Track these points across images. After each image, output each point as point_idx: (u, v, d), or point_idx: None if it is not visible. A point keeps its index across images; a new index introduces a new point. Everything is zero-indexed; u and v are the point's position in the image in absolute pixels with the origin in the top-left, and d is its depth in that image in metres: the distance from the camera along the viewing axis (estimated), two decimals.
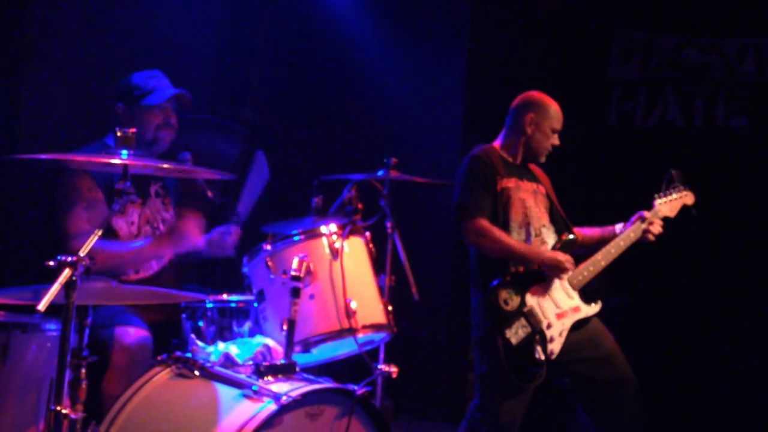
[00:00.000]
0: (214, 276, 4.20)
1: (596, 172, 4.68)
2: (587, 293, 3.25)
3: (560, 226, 3.35)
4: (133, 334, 2.88)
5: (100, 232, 2.12)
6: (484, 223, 3.17)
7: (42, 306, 1.86)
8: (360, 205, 3.02)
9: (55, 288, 1.91)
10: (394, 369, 3.22)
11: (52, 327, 2.49)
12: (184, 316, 2.91)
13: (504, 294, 3.12)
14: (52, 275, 1.99)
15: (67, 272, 1.95)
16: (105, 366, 2.84)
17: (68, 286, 1.97)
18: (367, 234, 3.05)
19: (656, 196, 3.43)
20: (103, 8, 3.89)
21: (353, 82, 5.12)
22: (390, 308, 3.01)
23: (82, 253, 2.02)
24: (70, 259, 1.98)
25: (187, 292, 2.95)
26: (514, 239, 3.18)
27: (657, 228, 3.35)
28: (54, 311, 2.06)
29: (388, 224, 3.62)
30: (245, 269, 2.97)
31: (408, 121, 5.00)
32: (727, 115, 4.69)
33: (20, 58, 3.60)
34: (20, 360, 2.40)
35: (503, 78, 4.85)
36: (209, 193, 3.32)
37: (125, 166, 2.23)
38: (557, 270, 3.18)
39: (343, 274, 2.82)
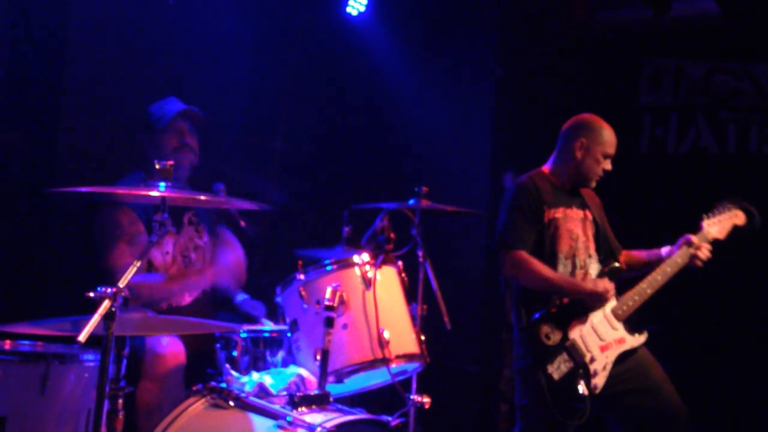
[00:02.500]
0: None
1: (629, 201, 4.64)
2: (632, 323, 3.17)
3: (606, 254, 3.28)
4: (166, 343, 2.93)
5: (138, 263, 2.15)
6: (523, 255, 3.12)
7: (82, 337, 1.88)
8: (392, 235, 3.02)
9: (95, 319, 1.94)
10: (426, 399, 3.18)
11: (90, 357, 2.52)
12: (218, 345, 2.92)
13: (546, 328, 3.06)
14: (91, 306, 2.01)
15: (106, 303, 1.98)
16: (138, 375, 2.88)
17: (107, 317, 1.99)
18: (400, 263, 3.05)
19: (704, 216, 3.31)
20: (138, 42, 3.97)
21: (382, 111, 5.16)
22: (423, 338, 3.00)
23: (121, 285, 2.04)
24: (109, 290, 2.01)
25: (221, 322, 2.97)
26: (552, 271, 3.12)
27: (705, 253, 3.20)
28: (91, 342, 2.08)
29: (420, 253, 3.60)
30: (279, 299, 2.98)
31: (438, 149, 5.01)
32: (761, 141, 4.63)
33: (58, 92, 3.68)
34: (59, 390, 2.42)
35: (532, 105, 4.84)
36: (242, 223, 3.36)
37: (164, 198, 2.26)
38: (598, 300, 3.11)
39: (376, 303, 2.82)
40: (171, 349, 2.99)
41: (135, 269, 2.15)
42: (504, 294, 4.54)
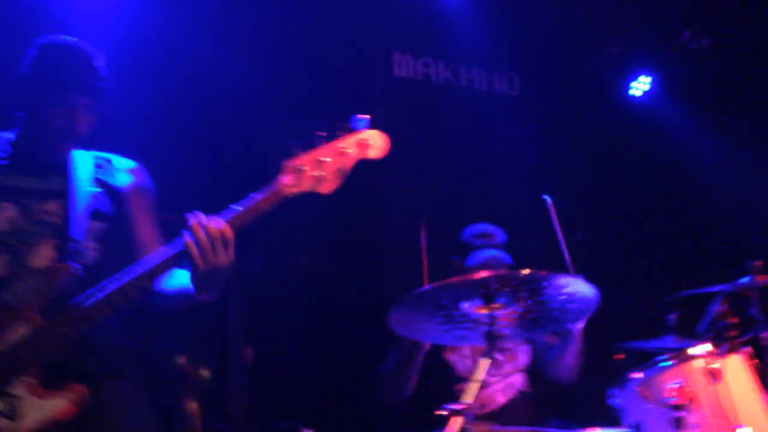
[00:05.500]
0: (577, 408, 4.08)
1: None
2: None
3: None
4: None
5: (477, 383, 2.19)
6: None
7: None
8: (734, 319, 2.76)
9: None
10: None
11: None
12: None
13: None
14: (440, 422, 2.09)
15: (459, 421, 2.04)
16: None
17: None
18: (748, 349, 2.76)
19: None
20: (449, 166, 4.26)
21: (682, 189, 4.88)
22: None
23: (469, 400, 2.10)
24: (458, 407, 2.07)
25: (557, 430, 2.89)
26: None
27: None
28: None
29: (764, 335, 3.23)
30: (616, 401, 2.85)
31: (755, 221, 4.57)
32: None
33: (376, 229, 4.05)
34: None
35: None
36: None
37: (492, 317, 2.31)
38: None
39: (731, 398, 2.56)
40: None
41: (477, 384, 2.20)
42: None
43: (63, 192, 2.15)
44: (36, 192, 2.15)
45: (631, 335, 3.38)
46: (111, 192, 2.25)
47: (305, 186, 2.00)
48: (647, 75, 4.82)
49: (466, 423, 2.06)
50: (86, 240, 2.12)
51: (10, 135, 2.27)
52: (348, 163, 2.04)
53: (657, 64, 4.83)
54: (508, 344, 3.41)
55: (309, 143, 2.05)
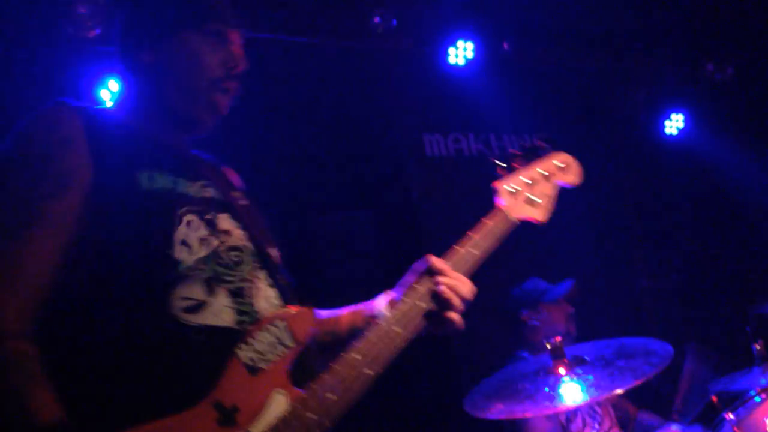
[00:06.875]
0: None
1: None
2: None
3: None
4: None
5: None
6: None
7: None
8: None
9: None
10: None
11: None
12: None
13: None
14: None
15: None
16: None
17: None
18: None
19: None
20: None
21: (746, 223, 4.75)
22: None
23: None
24: None
25: None
26: None
27: None
28: None
29: None
30: None
31: None
32: None
33: None
34: None
35: None
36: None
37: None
38: None
39: None
40: None
41: None
42: None
43: (223, 203, 1.52)
44: (202, 201, 1.49)
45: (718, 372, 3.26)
46: (256, 206, 1.64)
47: (524, 211, 1.82)
48: (678, 112, 4.81)
49: None
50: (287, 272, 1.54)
51: (117, 113, 1.55)
52: (554, 188, 1.86)
53: (686, 100, 4.82)
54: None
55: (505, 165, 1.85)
